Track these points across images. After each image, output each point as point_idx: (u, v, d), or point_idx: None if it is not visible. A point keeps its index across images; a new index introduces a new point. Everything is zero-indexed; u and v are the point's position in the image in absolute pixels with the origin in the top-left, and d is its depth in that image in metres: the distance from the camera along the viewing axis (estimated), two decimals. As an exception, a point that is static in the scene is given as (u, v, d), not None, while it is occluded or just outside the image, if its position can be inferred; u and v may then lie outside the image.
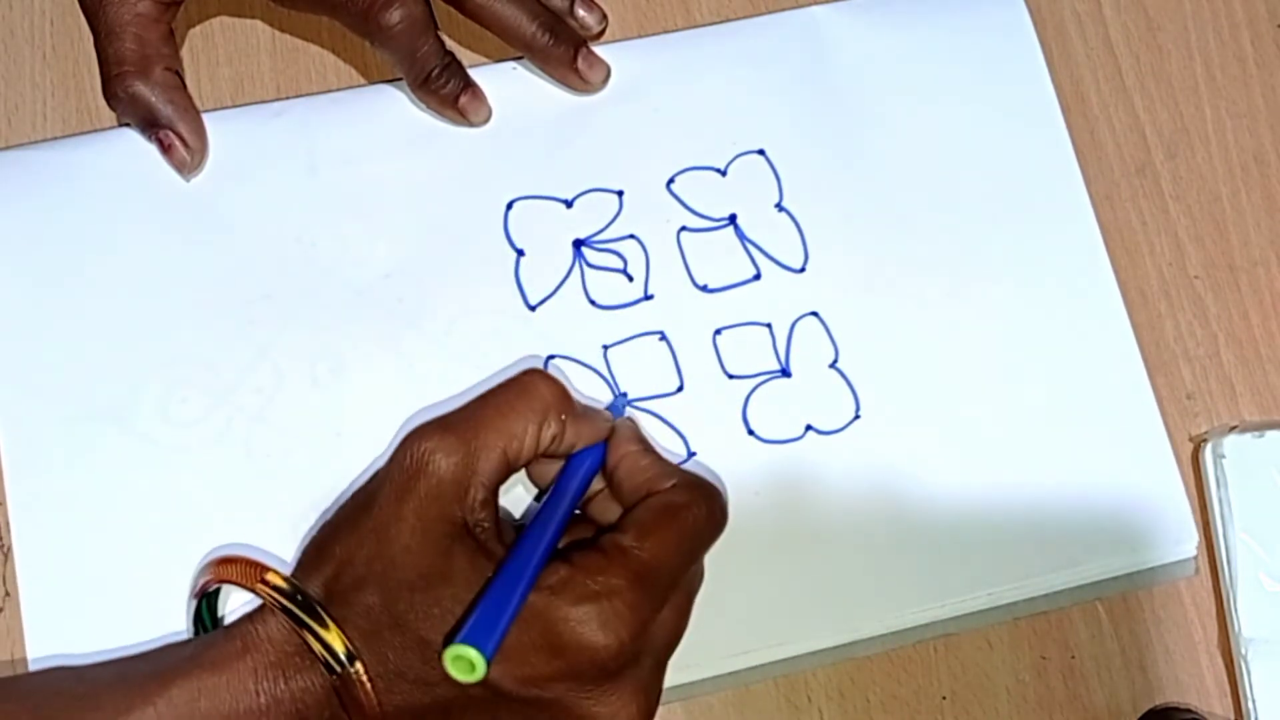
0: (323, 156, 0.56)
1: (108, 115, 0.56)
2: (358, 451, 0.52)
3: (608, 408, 0.52)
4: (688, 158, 0.57)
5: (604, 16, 0.57)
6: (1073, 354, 0.55)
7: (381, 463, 0.46)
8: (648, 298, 0.55)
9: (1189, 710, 0.51)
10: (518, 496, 0.51)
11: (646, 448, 0.48)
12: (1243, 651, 0.52)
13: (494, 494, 0.45)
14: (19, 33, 0.59)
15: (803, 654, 0.51)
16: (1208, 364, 0.57)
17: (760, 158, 0.57)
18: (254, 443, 0.52)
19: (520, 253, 0.55)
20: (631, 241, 0.56)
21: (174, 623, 0.49)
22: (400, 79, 0.56)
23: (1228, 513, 0.53)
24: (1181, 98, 0.60)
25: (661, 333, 0.55)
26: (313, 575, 0.44)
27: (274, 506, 0.51)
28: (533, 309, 0.55)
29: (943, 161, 0.57)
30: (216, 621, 0.48)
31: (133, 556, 0.51)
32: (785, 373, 0.55)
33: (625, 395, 0.53)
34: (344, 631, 0.43)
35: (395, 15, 0.53)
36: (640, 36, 0.59)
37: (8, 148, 0.57)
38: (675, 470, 0.47)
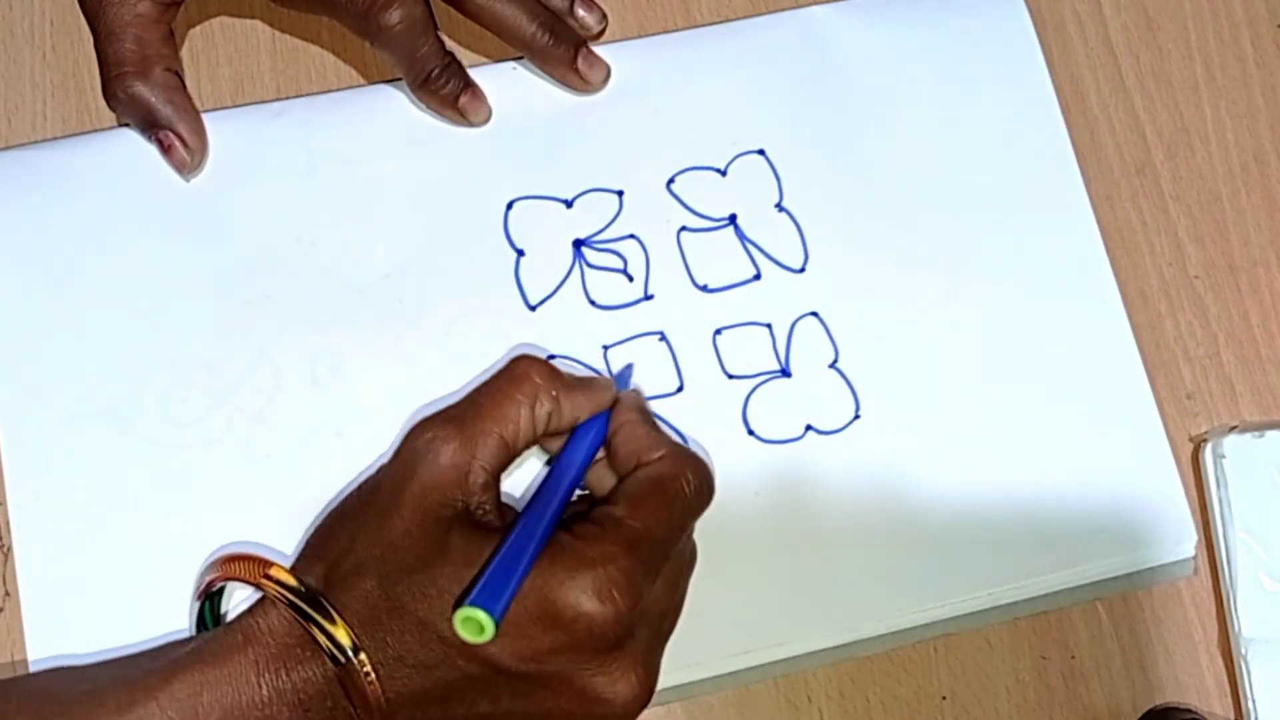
0: (322, 156, 0.56)
1: (108, 115, 0.56)
2: (358, 451, 0.52)
3: (615, 376, 0.52)
4: (688, 158, 0.57)
5: (604, 16, 0.57)
6: (1072, 354, 0.55)
7: (383, 461, 0.46)
8: (648, 298, 0.55)
9: (1189, 710, 0.51)
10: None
11: (645, 417, 0.49)
12: (1243, 651, 0.52)
13: (495, 478, 0.46)
14: (19, 33, 0.59)
15: (803, 654, 0.51)
16: (1208, 364, 0.57)
17: (760, 158, 0.57)
18: (254, 443, 0.52)
19: (520, 253, 0.55)
20: (631, 241, 0.56)
21: (174, 622, 0.49)
22: (400, 79, 0.56)
23: (1228, 513, 0.53)
24: (1181, 98, 0.60)
25: (661, 333, 0.55)
26: (314, 564, 0.45)
27: (274, 506, 0.51)
28: (533, 309, 0.55)
29: (943, 161, 0.57)
30: (219, 622, 0.48)
31: (133, 556, 0.51)
32: (785, 373, 0.55)
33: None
34: (345, 620, 0.43)
35: (395, 15, 0.53)
36: (640, 36, 0.59)
37: (8, 148, 0.57)
38: (665, 441, 0.48)
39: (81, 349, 0.53)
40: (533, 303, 0.55)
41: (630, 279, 0.55)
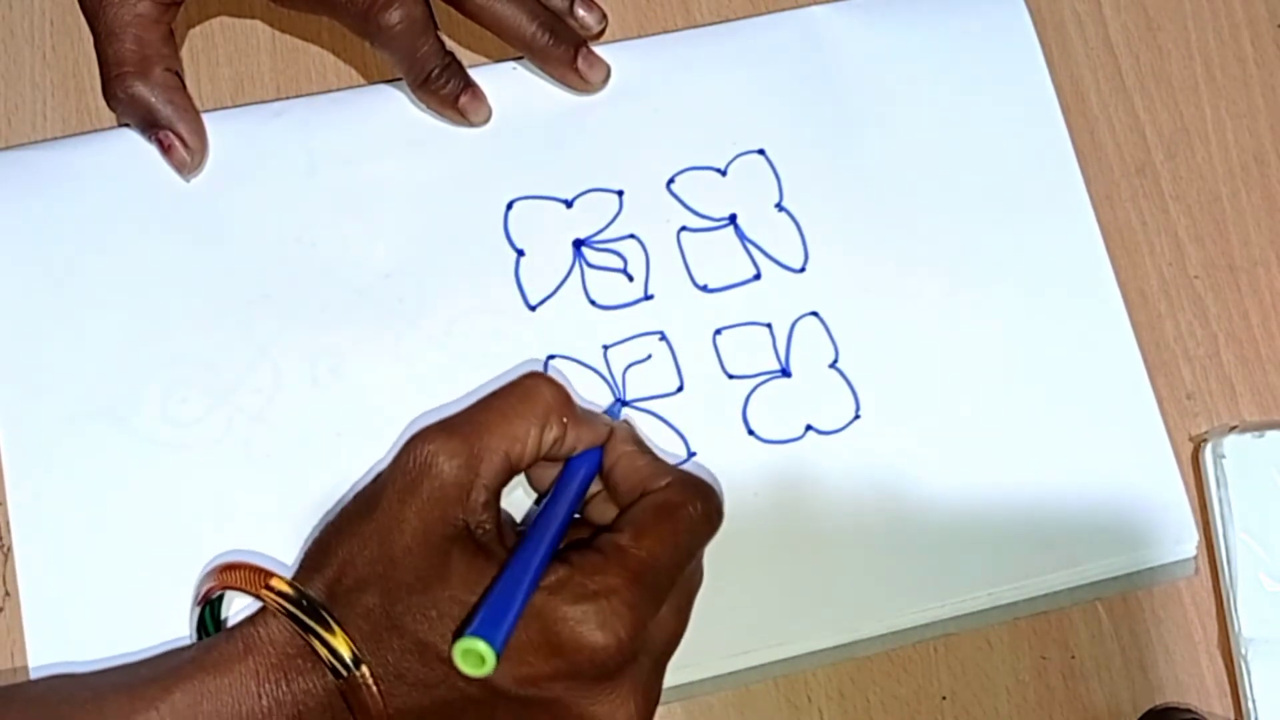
0: (322, 156, 0.56)
1: (108, 115, 0.56)
2: (358, 451, 0.52)
3: (605, 411, 0.52)
4: (688, 158, 0.57)
5: (604, 16, 0.57)
6: (1073, 354, 0.55)
7: (383, 463, 0.46)
8: (648, 298, 0.55)
9: (1189, 710, 0.51)
10: (517, 500, 0.51)
11: (643, 448, 0.48)
12: (1243, 651, 0.52)
13: (496, 496, 0.45)
14: (19, 33, 0.59)
15: (803, 654, 0.51)
16: (1208, 364, 0.57)
17: (760, 158, 0.57)
18: (254, 443, 0.52)
19: (520, 253, 0.55)
20: (631, 241, 0.56)
21: (174, 622, 0.49)
22: (400, 79, 0.56)
23: (1228, 513, 0.53)
24: (1181, 98, 0.60)
25: (661, 333, 0.55)
26: (315, 576, 0.44)
27: (274, 507, 0.51)
28: (533, 309, 0.55)
29: (943, 161, 0.57)
30: (219, 627, 0.48)
31: (132, 556, 0.51)
32: (785, 373, 0.55)
33: (621, 400, 0.53)
34: (347, 634, 0.43)
35: (395, 15, 0.53)
36: (640, 36, 0.59)
37: (8, 148, 0.57)
38: (670, 469, 0.47)
39: (81, 349, 0.53)
40: (533, 303, 0.55)
41: (630, 279, 0.55)
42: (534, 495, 0.51)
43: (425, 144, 0.56)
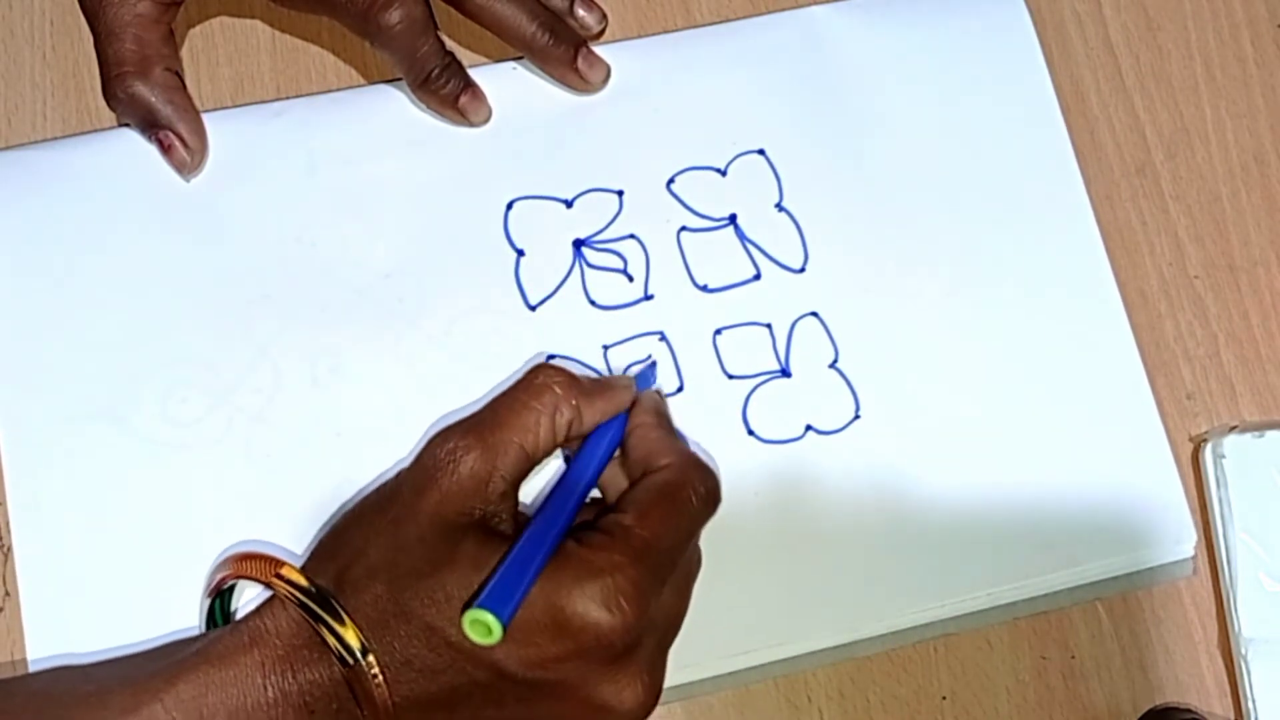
0: (322, 156, 0.56)
1: (108, 115, 0.56)
2: (358, 451, 0.52)
3: (637, 375, 0.52)
4: (688, 158, 0.57)
5: (604, 16, 0.57)
6: (1072, 354, 0.55)
7: (389, 463, 0.46)
8: (648, 298, 0.55)
9: (1189, 710, 0.51)
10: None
11: (660, 421, 0.48)
12: (1243, 651, 0.52)
13: (514, 487, 0.45)
14: (19, 33, 0.59)
15: (803, 654, 0.51)
16: (1208, 364, 0.57)
17: (760, 158, 0.57)
18: (254, 443, 0.52)
19: (520, 253, 0.55)
20: (631, 241, 0.56)
21: (174, 622, 0.49)
22: (400, 79, 0.56)
23: (1228, 513, 0.53)
24: (1181, 98, 0.60)
25: (661, 333, 0.55)
26: (326, 566, 0.45)
27: (274, 506, 0.51)
28: (533, 309, 0.55)
29: (943, 161, 0.57)
30: (229, 618, 0.48)
31: (132, 556, 0.51)
32: (785, 373, 0.55)
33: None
34: (355, 622, 0.43)
35: (395, 15, 0.53)
36: (640, 36, 0.59)
37: (8, 148, 0.57)
38: (675, 447, 0.48)
39: (81, 349, 0.53)
40: (533, 303, 0.55)
41: (630, 279, 0.55)
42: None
43: (425, 144, 0.56)
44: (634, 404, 0.49)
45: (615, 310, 0.55)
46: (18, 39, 0.59)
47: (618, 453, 0.48)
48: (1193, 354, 0.57)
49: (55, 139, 0.57)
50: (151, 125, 0.54)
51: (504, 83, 0.57)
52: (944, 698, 0.52)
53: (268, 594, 0.45)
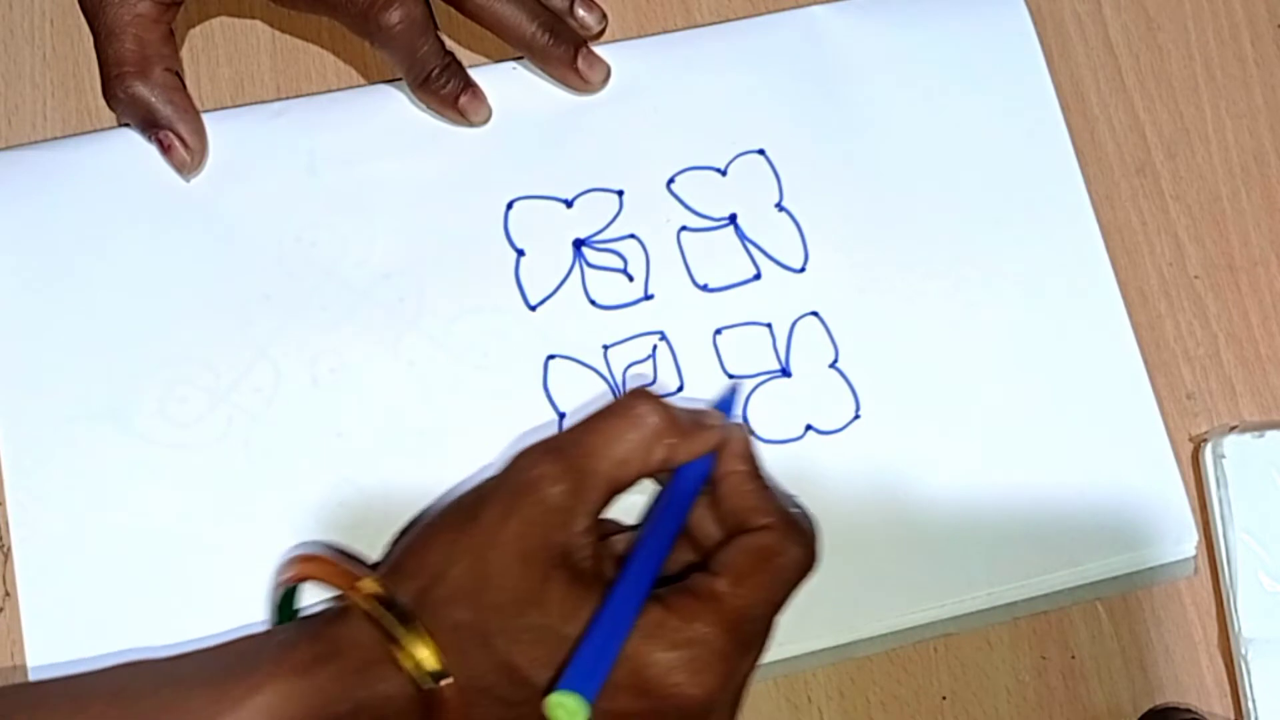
0: (322, 156, 0.56)
1: (108, 115, 0.56)
2: (358, 451, 0.52)
3: (718, 404, 0.51)
4: (688, 158, 0.57)
5: (604, 16, 0.57)
6: (1073, 354, 0.55)
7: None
8: (648, 298, 0.55)
9: (1189, 710, 0.51)
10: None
11: (753, 469, 0.47)
12: (1243, 651, 0.52)
13: (597, 520, 0.44)
14: (19, 33, 0.59)
15: (802, 654, 0.51)
16: (1208, 364, 0.57)
17: (760, 158, 0.57)
18: (254, 443, 0.52)
19: (520, 253, 0.55)
20: (631, 241, 0.56)
21: (174, 621, 0.49)
22: (400, 79, 0.56)
23: (1228, 513, 0.53)
24: (1181, 98, 0.60)
25: (662, 333, 0.55)
26: (406, 582, 0.43)
27: (273, 506, 0.51)
28: (533, 309, 0.55)
29: (943, 161, 0.57)
30: (294, 613, 0.47)
31: (132, 556, 0.51)
32: (785, 373, 0.55)
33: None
34: (436, 644, 0.42)
35: (395, 15, 0.53)
36: (640, 36, 0.59)
37: (8, 148, 0.57)
38: (773, 505, 0.46)
39: (81, 349, 0.53)
40: (533, 303, 0.55)
41: (630, 279, 0.55)
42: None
43: (425, 144, 0.56)
44: (724, 444, 0.47)
45: (615, 310, 0.55)
46: (18, 39, 0.59)
47: (705, 491, 0.47)
48: (1193, 354, 0.57)
49: (55, 139, 0.57)
50: (151, 125, 0.54)
51: (504, 83, 0.57)
52: (944, 698, 0.52)
53: (331, 592, 0.44)
